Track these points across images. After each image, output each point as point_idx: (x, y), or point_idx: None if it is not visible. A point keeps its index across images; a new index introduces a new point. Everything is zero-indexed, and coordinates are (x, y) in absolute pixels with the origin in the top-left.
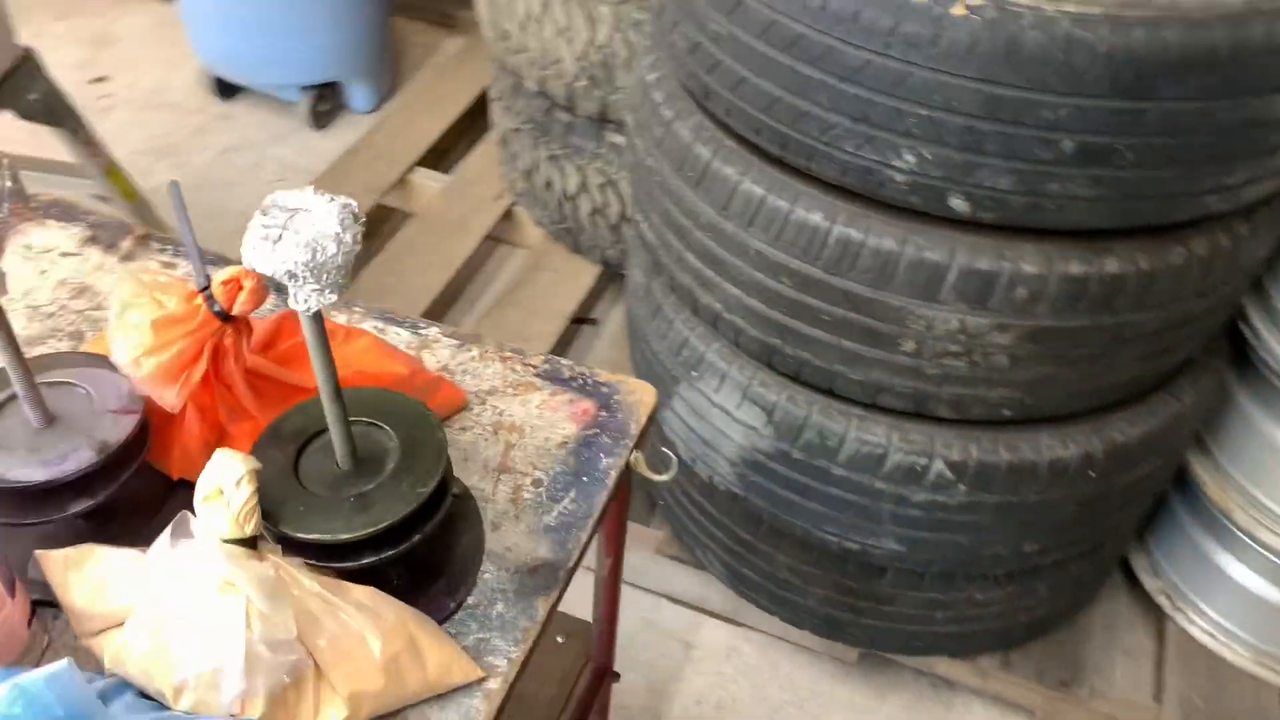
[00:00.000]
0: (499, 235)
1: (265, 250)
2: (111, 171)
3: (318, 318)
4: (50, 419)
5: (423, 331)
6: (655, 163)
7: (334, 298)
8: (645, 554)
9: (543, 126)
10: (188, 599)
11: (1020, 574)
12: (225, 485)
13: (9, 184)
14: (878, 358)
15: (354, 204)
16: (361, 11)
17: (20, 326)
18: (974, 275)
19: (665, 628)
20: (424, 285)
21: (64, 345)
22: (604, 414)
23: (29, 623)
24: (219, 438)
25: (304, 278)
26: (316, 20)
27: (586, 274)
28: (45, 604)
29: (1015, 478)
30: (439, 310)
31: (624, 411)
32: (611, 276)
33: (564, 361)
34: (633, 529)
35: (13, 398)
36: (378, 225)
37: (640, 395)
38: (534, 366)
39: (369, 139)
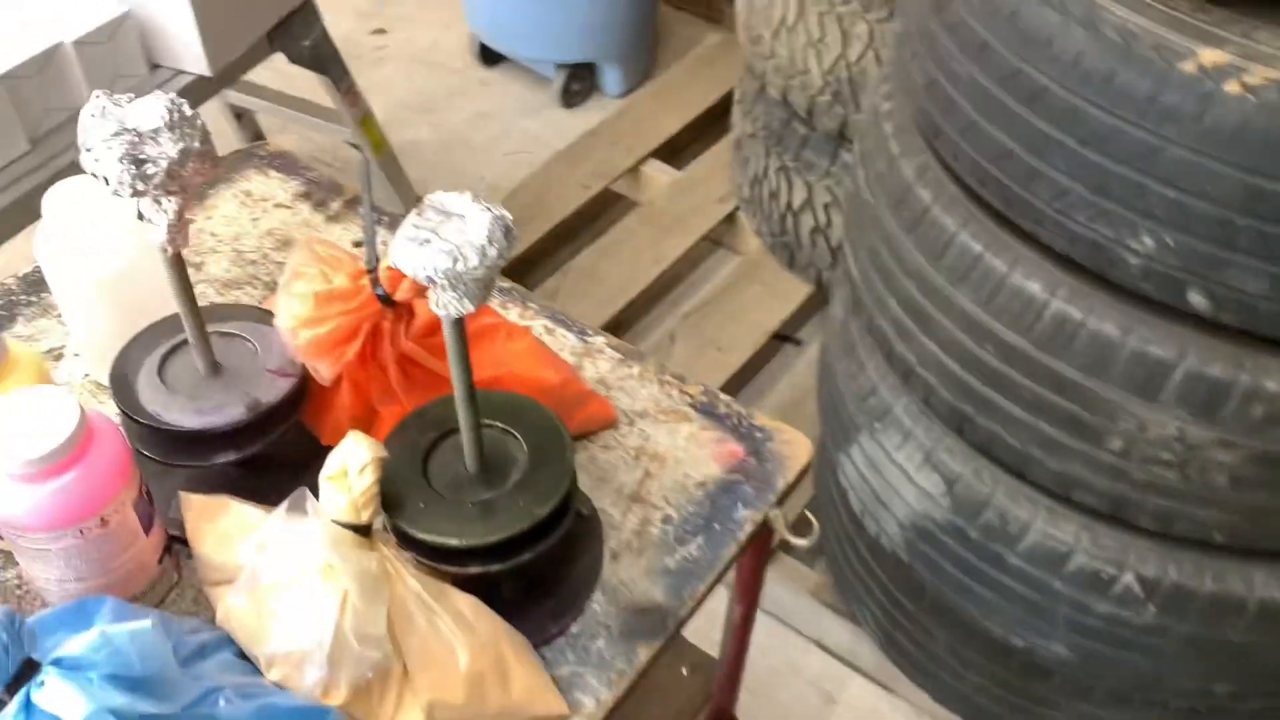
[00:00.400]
0: (717, 238)
1: (411, 250)
2: (366, 122)
3: (458, 323)
4: (215, 369)
5: (589, 339)
6: (872, 197)
7: (471, 307)
8: (802, 595)
9: (778, 136)
10: (290, 575)
11: (1206, 713)
12: (350, 468)
13: (197, 145)
14: (1079, 450)
15: (508, 217)
16: None
17: (223, 269)
18: (1204, 382)
19: (809, 674)
20: (633, 275)
21: (258, 293)
22: (752, 460)
23: (160, 559)
24: (369, 415)
25: (442, 284)
26: (581, 3)
27: (797, 292)
28: (182, 542)
29: (1216, 610)
30: (643, 302)
31: (773, 462)
32: (824, 299)
33: (723, 397)
34: (791, 565)
35: (185, 343)
36: (603, 209)
37: (795, 449)
38: (690, 396)
39: (611, 123)
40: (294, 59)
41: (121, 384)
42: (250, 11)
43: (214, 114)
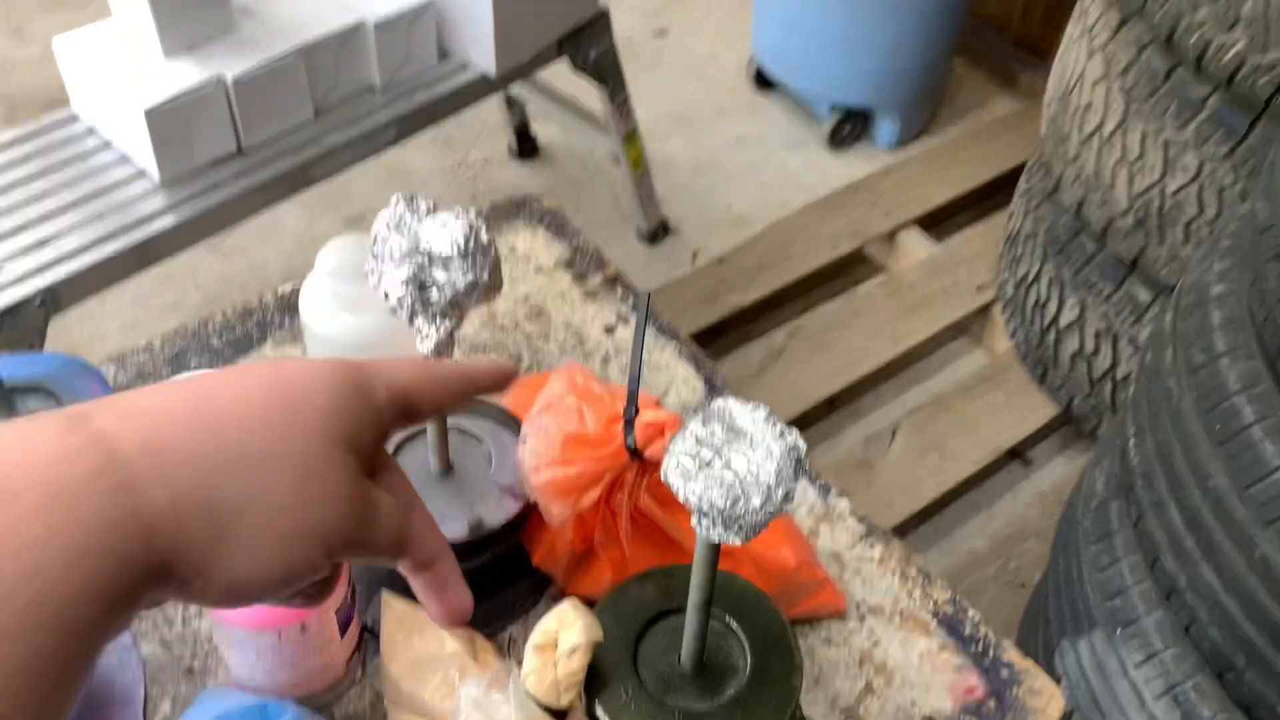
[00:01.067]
0: (965, 328)
1: (686, 468)
2: (630, 137)
3: (715, 547)
4: (448, 469)
5: (832, 501)
6: (1177, 386)
7: (738, 540)
8: None
9: (1061, 244)
10: None
11: None
12: (561, 644)
13: (486, 278)
14: None
15: (801, 449)
16: (921, 47)
17: (474, 329)
18: None
19: None
20: (866, 351)
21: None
22: (991, 704)
23: (349, 658)
24: (587, 553)
25: (713, 517)
26: (872, 45)
27: (1039, 411)
28: (375, 633)
29: None
30: (870, 383)
31: (1015, 713)
32: (1069, 427)
33: (971, 613)
34: None
35: (421, 434)
36: (847, 269)
37: (1045, 703)
38: (935, 601)
39: (875, 179)
40: (577, 66)
41: None
42: (546, 19)
43: None
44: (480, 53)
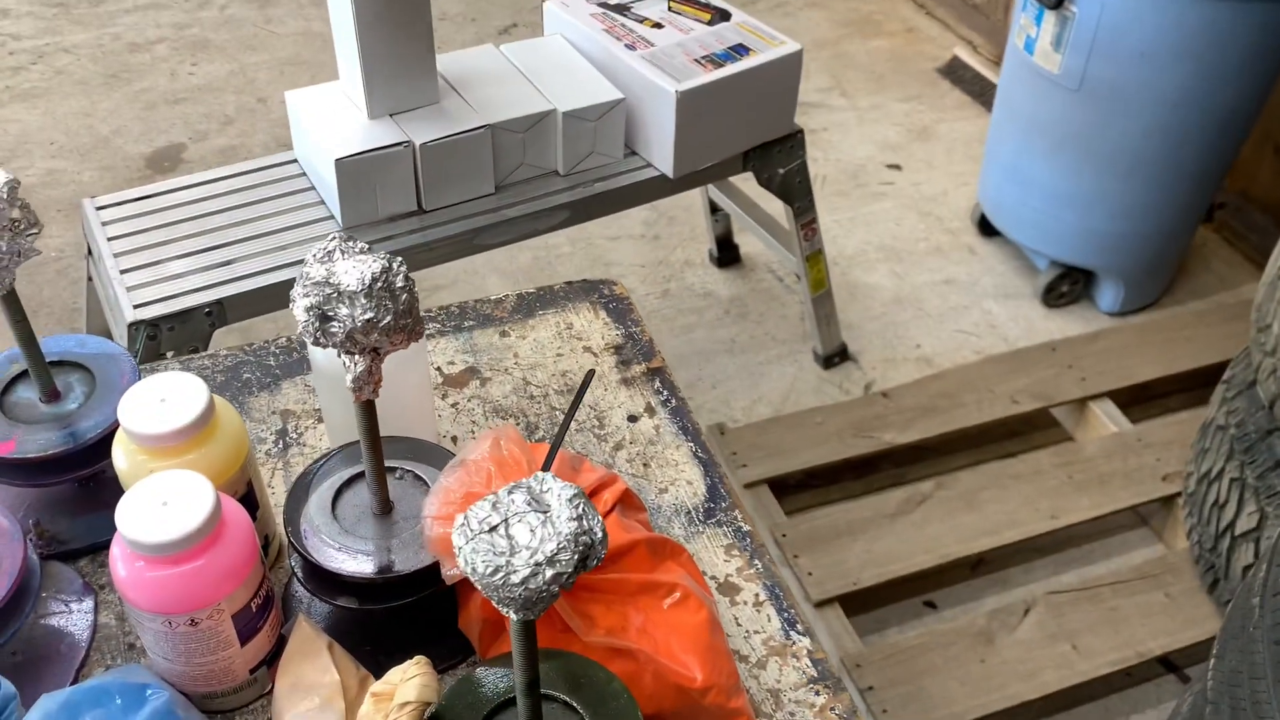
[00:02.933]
0: (1144, 514)
1: (469, 528)
2: (813, 258)
3: (525, 624)
4: (387, 509)
5: (795, 635)
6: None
7: (514, 616)
8: None
9: (1249, 443)
10: None
11: None
12: (396, 696)
13: (388, 319)
14: None
15: (597, 539)
16: (1156, 213)
17: (503, 393)
18: None
19: None
20: (1018, 519)
21: (519, 428)
22: None
23: (255, 669)
24: (497, 620)
25: (480, 584)
26: (1099, 205)
27: (1203, 624)
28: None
29: None
30: (1013, 552)
31: None
32: None
33: None
34: None
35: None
36: (1024, 428)
37: None
38: None
39: (1080, 342)
40: (762, 182)
41: (296, 496)
42: (733, 131)
43: (695, 198)
44: (661, 154)
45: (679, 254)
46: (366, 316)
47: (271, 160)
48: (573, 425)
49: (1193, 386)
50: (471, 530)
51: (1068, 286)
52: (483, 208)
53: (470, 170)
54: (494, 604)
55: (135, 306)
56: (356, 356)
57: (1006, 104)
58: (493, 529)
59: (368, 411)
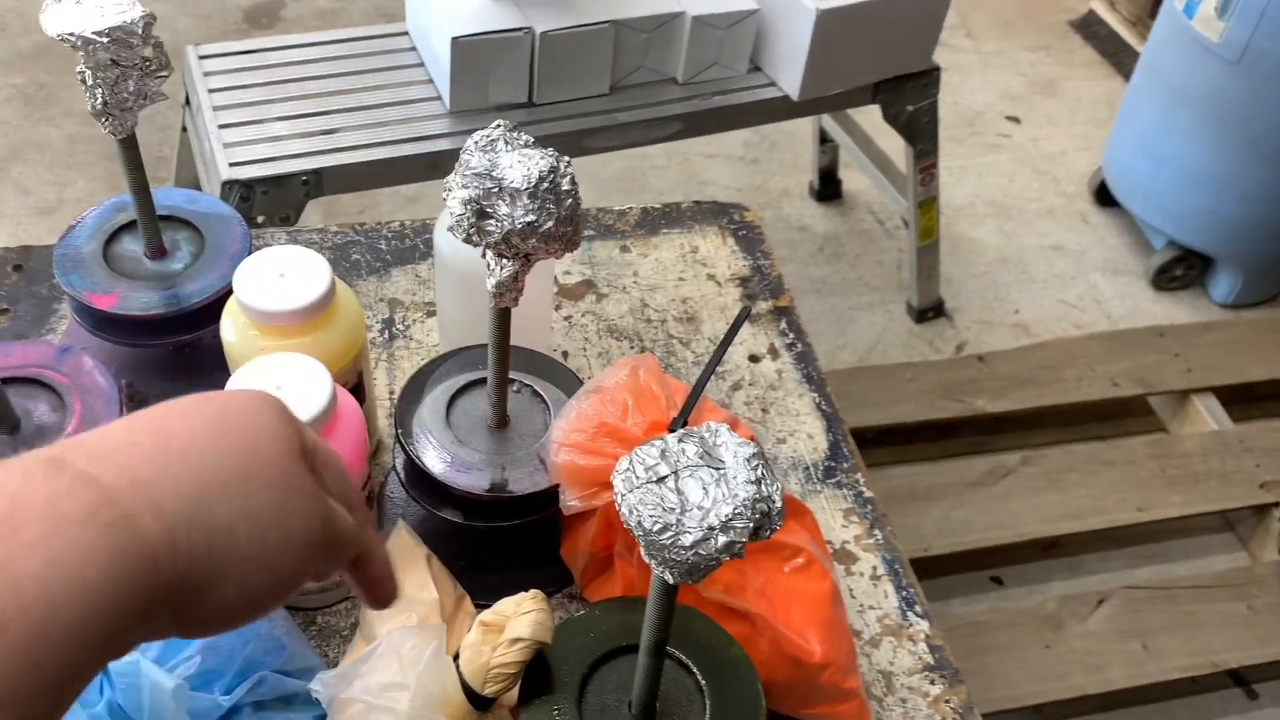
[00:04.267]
0: (1232, 519)
1: (634, 476)
2: (926, 205)
3: (668, 586)
4: (503, 422)
5: (913, 616)
6: None
7: (674, 581)
8: None
9: None
10: (367, 694)
11: None
12: (507, 630)
13: (550, 224)
14: None
15: (776, 507)
16: None
17: (619, 312)
18: None
19: None
20: (1102, 505)
21: (631, 352)
22: None
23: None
24: (605, 556)
25: (642, 541)
26: (1230, 187)
27: None
28: None
29: None
30: (1099, 539)
31: None
32: None
33: None
34: None
35: (482, 383)
36: (1124, 414)
37: None
38: None
39: (1192, 331)
40: (888, 118)
41: (410, 396)
42: (866, 58)
43: (806, 124)
44: (788, 74)
45: (778, 181)
46: (528, 219)
47: (382, 29)
48: (690, 357)
49: None
50: (638, 478)
51: (1182, 270)
52: (595, 108)
53: (588, 67)
54: (652, 564)
55: (231, 165)
56: (505, 260)
57: (1152, 69)
58: (661, 480)
59: (502, 319)
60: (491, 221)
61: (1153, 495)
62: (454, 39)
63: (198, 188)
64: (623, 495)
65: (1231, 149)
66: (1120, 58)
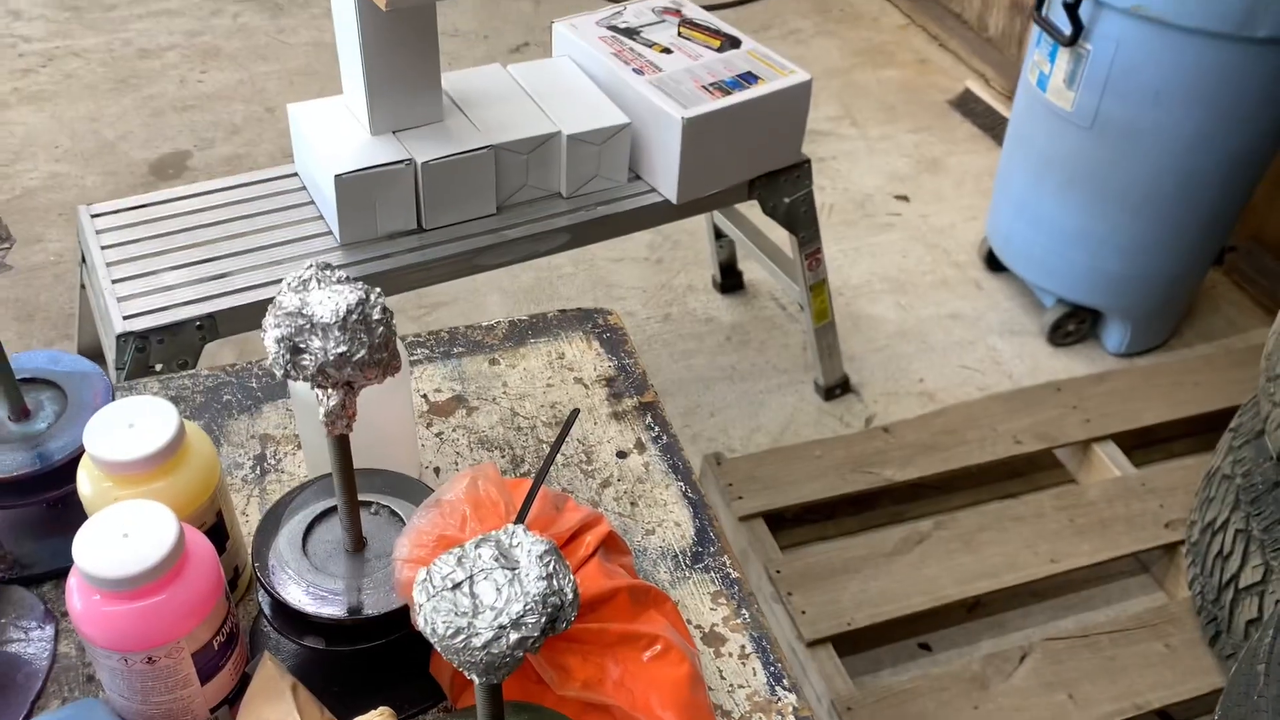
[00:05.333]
0: (1146, 560)
1: (431, 584)
2: (817, 288)
3: (492, 687)
4: (360, 547)
5: (781, 692)
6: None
7: (479, 680)
8: None
9: (1255, 493)
10: None
11: None
12: None
13: (363, 354)
14: None
15: (568, 599)
16: (1165, 254)
17: (489, 423)
18: None
19: None
20: (1017, 562)
21: (503, 462)
22: None
23: (216, 708)
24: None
25: (439, 647)
26: (1108, 245)
27: (1203, 677)
28: None
29: None
30: (1010, 597)
31: None
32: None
33: None
34: None
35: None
36: (1026, 469)
37: None
38: None
39: (1086, 383)
40: (767, 211)
41: (266, 529)
42: (739, 158)
43: (700, 222)
44: (665, 180)
45: (682, 278)
46: (339, 350)
47: (273, 173)
48: (559, 460)
49: (1198, 432)
50: (434, 587)
51: (1074, 325)
52: (483, 228)
53: (472, 190)
54: (455, 666)
55: (125, 318)
56: (329, 390)
57: (1018, 139)
58: (456, 586)
59: (341, 446)
60: (306, 356)
61: (1064, 546)
62: (337, 176)
63: (99, 343)
64: (420, 605)
65: (1100, 208)
66: (998, 131)
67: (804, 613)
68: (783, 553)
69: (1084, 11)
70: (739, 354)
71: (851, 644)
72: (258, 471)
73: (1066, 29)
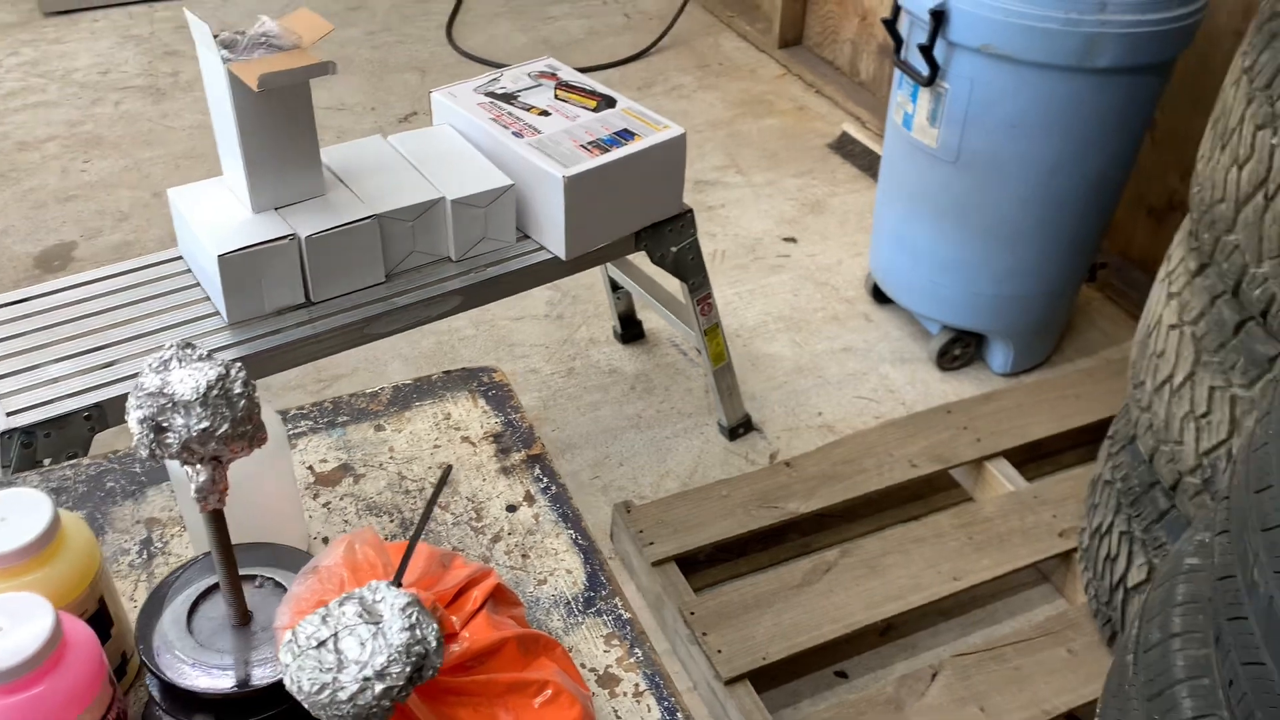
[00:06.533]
0: (1045, 570)
1: (297, 644)
2: (711, 332)
3: None
4: (246, 620)
5: None
6: (1133, 662)
7: None
8: None
9: (1134, 496)
10: None
11: None
12: None
13: (226, 427)
14: None
15: (431, 648)
16: (1039, 276)
17: (377, 488)
18: None
19: None
20: (922, 583)
21: (392, 528)
22: None
23: None
24: None
25: (307, 705)
26: (983, 271)
27: (1105, 676)
28: None
29: None
30: (919, 617)
31: None
32: None
33: None
34: None
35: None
36: (924, 491)
37: None
38: None
39: (974, 404)
40: (655, 261)
41: (150, 611)
42: (623, 212)
43: (597, 276)
44: (552, 237)
45: (583, 332)
46: (202, 426)
47: (156, 258)
48: (449, 519)
49: (1085, 442)
50: (299, 646)
51: (960, 350)
52: (373, 297)
53: (359, 260)
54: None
55: (8, 414)
56: (198, 466)
57: (890, 177)
58: (321, 644)
59: (217, 521)
60: (169, 434)
61: (965, 563)
62: (220, 256)
63: None
64: (286, 665)
65: (971, 237)
66: (875, 170)
67: (720, 651)
68: (697, 594)
69: (938, 52)
70: (644, 401)
71: (769, 678)
72: (144, 556)
73: (924, 70)
